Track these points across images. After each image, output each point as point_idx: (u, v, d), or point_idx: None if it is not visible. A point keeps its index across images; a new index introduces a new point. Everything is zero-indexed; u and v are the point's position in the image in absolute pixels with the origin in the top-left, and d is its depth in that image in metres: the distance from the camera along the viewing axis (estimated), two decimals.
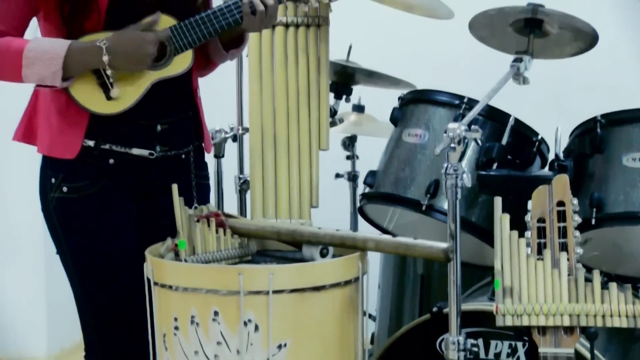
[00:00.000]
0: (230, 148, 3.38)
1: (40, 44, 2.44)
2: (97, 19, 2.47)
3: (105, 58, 2.42)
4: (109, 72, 2.45)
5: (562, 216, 2.32)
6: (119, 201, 2.58)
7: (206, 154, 2.80)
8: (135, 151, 2.58)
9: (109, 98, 2.48)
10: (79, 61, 2.43)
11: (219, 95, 3.36)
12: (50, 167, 2.58)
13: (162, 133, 2.60)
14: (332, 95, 3.55)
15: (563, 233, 2.32)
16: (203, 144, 2.75)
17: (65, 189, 2.55)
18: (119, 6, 2.49)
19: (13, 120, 2.68)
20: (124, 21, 2.48)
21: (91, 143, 2.54)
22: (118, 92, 2.48)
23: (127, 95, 2.49)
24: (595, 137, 2.99)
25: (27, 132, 2.62)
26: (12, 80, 2.48)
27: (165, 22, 2.51)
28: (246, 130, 3.25)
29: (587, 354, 2.53)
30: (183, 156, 2.67)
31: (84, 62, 2.44)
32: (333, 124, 3.51)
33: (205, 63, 2.74)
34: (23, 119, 2.63)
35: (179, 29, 2.50)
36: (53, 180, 2.56)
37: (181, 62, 2.53)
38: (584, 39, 3.05)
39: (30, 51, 2.42)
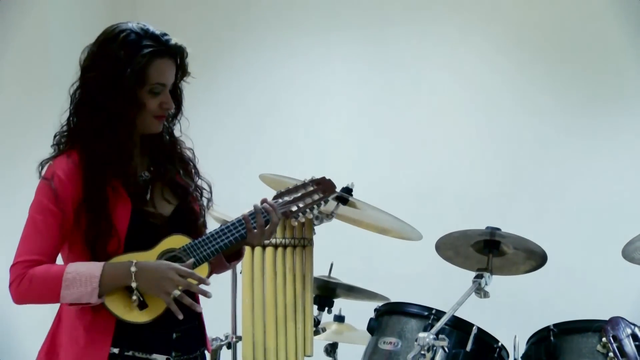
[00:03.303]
0: (225, 354, 3.37)
1: (77, 267, 2.48)
2: (117, 243, 2.52)
3: (134, 285, 2.46)
4: (134, 296, 2.46)
5: None
6: None
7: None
8: (154, 357, 2.55)
9: (141, 308, 2.48)
10: (112, 280, 2.46)
11: (215, 307, 3.33)
12: None
13: (177, 340, 2.59)
14: (315, 307, 3.58)
15: None
16: (205, 349, 2.72)
17: None
18: (136, 231, 2.54)
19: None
20: (141, 243, 2.52)
21: (116, 350, 2.52)
22: (149, 303, 2.48)
23: (155, 305, 2.50)
24: (549, 345, 3.02)
25: (49, 353, 2.57)
26: (48, 302, 2.50)
27: (179, 240, 2.55)
28: (239, 338, 3.24)
29: None
30: None
31: (117, 281, 2.47)
32: (317, 332, 3.52)
33: None
34: (46, 342, 2.60)
35: (193, 246, 2.54)
36: None
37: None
38: (536, 258, 3.12)
39: (68, 274, 2.46)
